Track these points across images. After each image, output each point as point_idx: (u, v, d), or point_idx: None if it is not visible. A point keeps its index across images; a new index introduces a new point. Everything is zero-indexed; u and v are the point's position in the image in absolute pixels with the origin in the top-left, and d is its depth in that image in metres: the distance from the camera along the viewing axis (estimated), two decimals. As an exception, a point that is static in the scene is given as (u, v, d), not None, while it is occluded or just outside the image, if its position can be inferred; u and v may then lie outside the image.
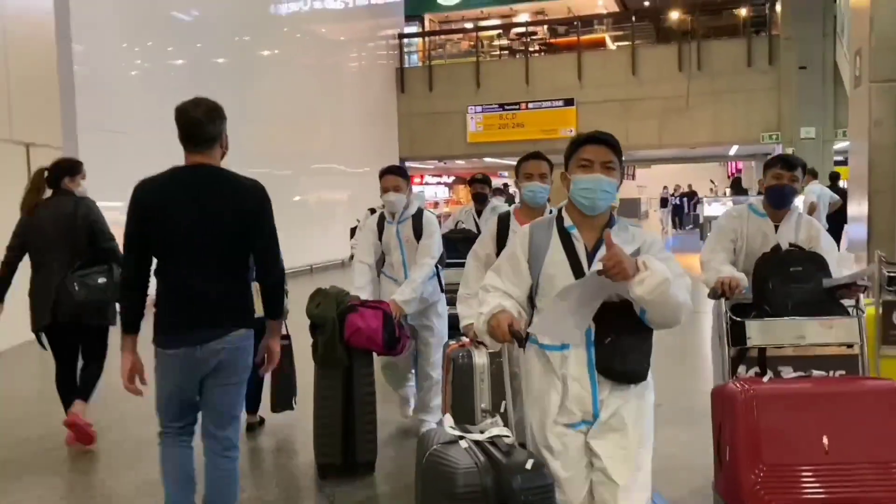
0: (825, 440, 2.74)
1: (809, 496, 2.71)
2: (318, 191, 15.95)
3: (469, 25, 22.33)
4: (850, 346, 3.30)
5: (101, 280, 4.24)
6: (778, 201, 3.57)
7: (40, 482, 4.00)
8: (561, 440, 2.36)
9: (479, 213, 5.98)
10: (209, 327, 2.70)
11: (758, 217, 3.64)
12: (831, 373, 3.29)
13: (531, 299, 2.44)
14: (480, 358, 3.45)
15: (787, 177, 3.53)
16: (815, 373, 3.23)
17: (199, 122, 2.75)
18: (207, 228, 2.70)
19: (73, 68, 9.36)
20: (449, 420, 2.44)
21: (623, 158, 2.40)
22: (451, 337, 4.09)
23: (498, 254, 3.19)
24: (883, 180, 7.71)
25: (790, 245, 3.54)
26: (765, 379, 3.04)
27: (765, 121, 16.68)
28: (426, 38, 21.24)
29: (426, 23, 22.55)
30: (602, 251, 2.23)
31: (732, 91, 16.58)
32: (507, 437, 2.31)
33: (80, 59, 9.55)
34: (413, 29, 21.32)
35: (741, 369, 3.33)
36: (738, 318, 3.28)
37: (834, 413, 2.81)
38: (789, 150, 16.43)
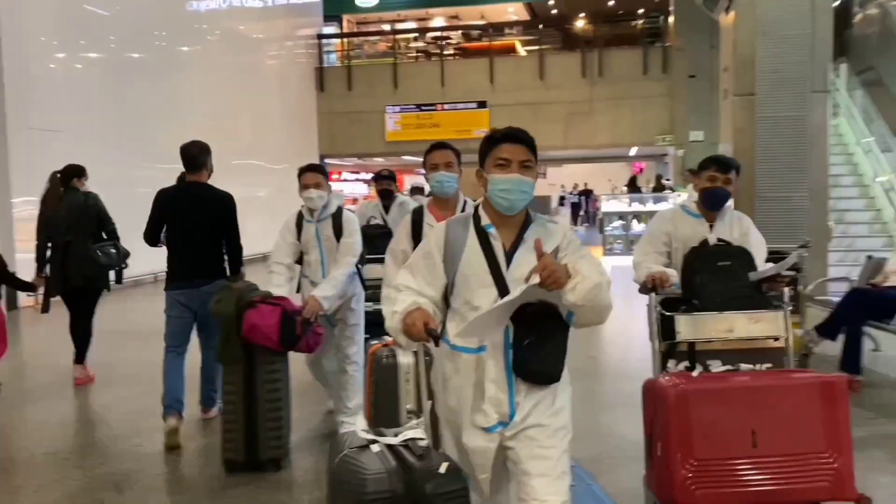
0: (754, 434, 2.77)
1: (739, 490, 2.76)
2: (239, 186, 16.20)
3: (386, 27, 23.05)
4: (776, 339, 3.34)
5: (112, 251, 5.79)
6: (713, 204, 3.58)
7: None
8: (477, 443, 2.34)
9: (386, 208, 5.91)
10: (201, 278, 4.39)
11: (692, 218, 3.65)
12: (758, 366, 3.27)
13: (445, 299, 2.39)
14: (405, 357, 3.40)
15: (722, 179, 3.52)
16: (743, 366, 3.20)
17: (194, 156, 4.46)
18: (197, 220, 4.44)
19: (1, 64, 9.61)
20: (362, 423, 2.46)
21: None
22: (374, 335, 3.98)
23: (415, 247, 3.17)
24: (743, 180, 8.96)
25: (718, 240, 3.56)
26: (694, 373, 3.05)
27: (659, 124, 18.12)
28: (345, 39, 21.80)
29: (344, 23, 23.11)
30: (521, 251, 2.28)
31: (630, 97, 17.94)
32: (422, 440, 2.25)
33: (7, 56, 9.79)
34: (331, 29, 21.85)
35: (671, 363, 3.32)
36: (668, 313, 3.31)
37: (762, 407, 2.84)
38: (680, 152, 17.99)
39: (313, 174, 4.37)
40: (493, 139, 2.35)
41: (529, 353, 2.26)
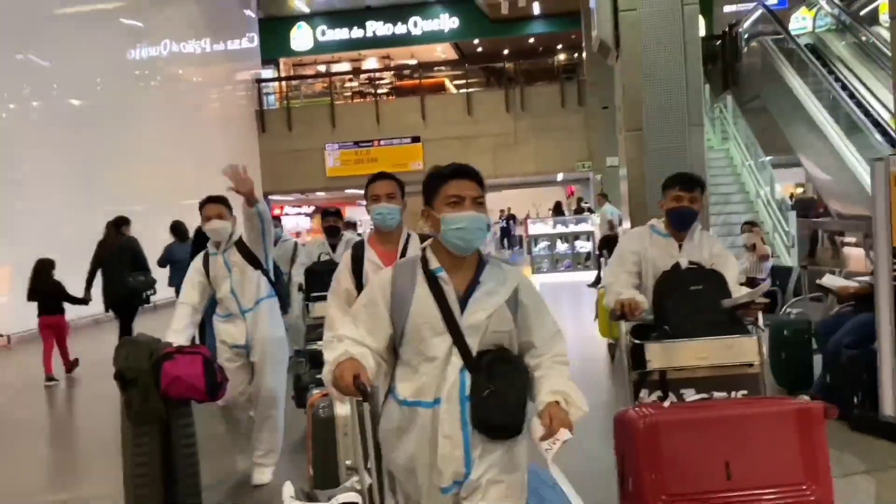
0: (728, 465, 2.66)
1: None
2: (188, 224, 17.20)
3: (322, 68, 24.27)
4: (749, 365, 3.22)
5: (140, 279, 8.01)
6: (679, 224, 3.51)
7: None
8: None
9: (332, 246, 5.90)
10: None
11: (661, 237, 3.57)
12: (733, 393, 3.12)
13: (394, 349, 2.24)
14: (343, 409, 3.04)
15: (687, 198, 3.46)
16: (717, 395, 3.07)
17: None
18: None
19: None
20: (289, 489, 2.20)
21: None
22: (318, 384, 3.72)
23: (358, 285, 3.14)
24: (636, 205, 10.43)
25: (690, 263, 3.46)
26: (666, 403, 2.91)
27: (578, 152, 19.75)
28: (282, 82, 22.93)
29: (281, 66, 24.25)
30: (476, 295, 2.16)
31: (551, 128, 19.55)
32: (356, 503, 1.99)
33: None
34: (269, 72, 22.96)
35: (643, 393, 3.20)
36: (638, 341, 3.22)
37: (736, 437, 2.73)
38: (598, 177, 19.63)
39: (214, 205, 4.28)
40: (441, 175, 2.22)
41: (489, 405, 2.11)
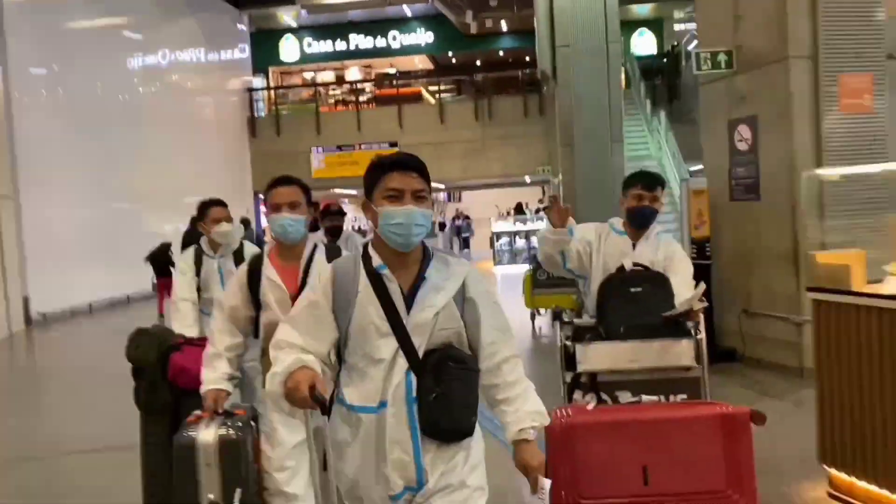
0: (645, 470, 2.63)
1: None
2: (186, 219, 19.20)
3: (309, 77, 26.29)
4: (687, 369, 3.17)
5: None
6: (638, 223, 3.50)
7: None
8: None
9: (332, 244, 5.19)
10: None
11: (616, 235, 3.56)
12: (672, 397, 3.10)
13: (339, 353, 2.14)
14: (206, 435, 2.76)
15: (648, 197, 3.44)
16: (646, 398, 3.04)
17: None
18: None
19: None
20: None
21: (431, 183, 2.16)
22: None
23: (254, 303, 2.97)
24: (573, 206, 12.61)
25: (635, 265, 3.43)
26: (590, 406, 2.90)
27: (540, 157, 21.84)
28: (271, 91, 24.95)
29: (270, 75, 26.24)
30: (423, 292, 2.07)
31: (515, 136, 21.65)
32: None
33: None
34: (260, 81, 24.94)
35: (577, 395, 3.18)
36: (569, 343, 3.20)
37: (656, 441, 2.68)
38: (556, 180, 21.77)
39: (222, 208, 4.23)
40: (381, 167, 2.10)
41: (437, 407, 2.04)
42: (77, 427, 6.45)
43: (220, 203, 4.36)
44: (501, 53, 26.74)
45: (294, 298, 2.76)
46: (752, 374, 6.62)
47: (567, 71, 12.41)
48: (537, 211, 20.72)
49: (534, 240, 18.69)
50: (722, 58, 6.97)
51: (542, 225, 18.70)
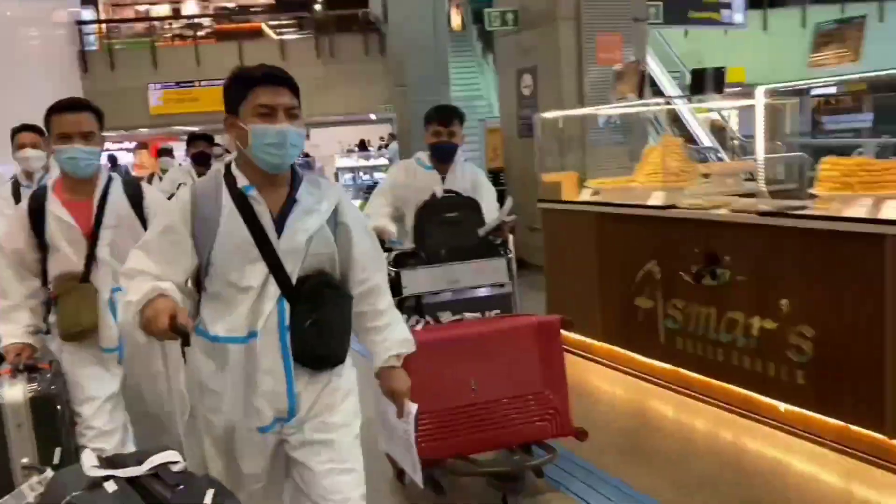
0: (474, 381, 2.89)
1: (464, 437, 2.90)
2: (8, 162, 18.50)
3: (143, 8, 25.37)
4: (501, 285, 3.41)
5: None
6: (439, 157, 3.67)
7: None
8: (248, 448, 2.05)
9: (200, 175, 5.07)
10: None
11: (425, 170, 3.70)
12: (488, 313, 3.28)
13: (197, 282, 2.06)
14: (13, 392, 2.45)
15: (446, 133, 3.59)
16: (468, 315, 3.19)
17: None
18: None
19: None
20: (90, 458, 1.70)
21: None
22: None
23: (40, 246, 2.65)
24: (404, 144, 13.79)
25: (445, 192, 3.61)
26: (417, 327, 3.06)
27: (383, 95, 22.70)
28: (103, 24, 23.93)
29: (101, 6, 25.04)
30: (294, 216, 2.02)
31: (358, 74, 22.32)
32: (176, 462, 1.68)
33: None
34: (89, 13, 23.79)
35: (404, 318, 2.93)
36: (395, 269, 3.28)
37: (481, 354, 2.93)
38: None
39: (29, 134, 4.06)
40: (248, 80, 2.00)
41: (313, 335, 1.98)
42: None
43: (30, 128, 4.09)
44: (343, -10, 26.97)
45: (89, 237, 2.67)
46: (533, 277, 8.14)
47: (397, 15, 13.39)
48: (380, 148, 21.70)
49: (377, 175, 19.75)
50: (509, 17, 8.24)
51: (383, 160, 19.70)
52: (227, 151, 5.32)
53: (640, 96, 5.37)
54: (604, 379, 5.01)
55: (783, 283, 3.91)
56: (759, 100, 4.11)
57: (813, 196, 3.96)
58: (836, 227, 3.60)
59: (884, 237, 3.39)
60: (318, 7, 24.78)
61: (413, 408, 2.16)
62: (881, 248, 3.39)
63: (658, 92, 11.47)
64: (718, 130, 12.43)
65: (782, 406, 4.07)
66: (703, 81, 5.16)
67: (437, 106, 3.75)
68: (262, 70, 2.05)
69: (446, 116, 3.63)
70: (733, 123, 12.33)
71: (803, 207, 3.87)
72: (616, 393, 4.98)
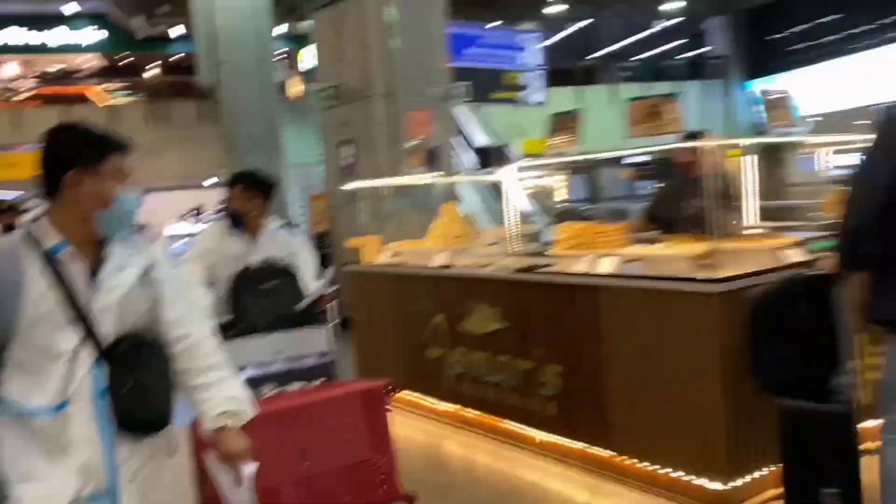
0: (304, 453, 2.80)
1: None
2: None
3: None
4: (324, 354, 3.37)
5: None
6: (236, 224, 3.70)
7: None
8: None
9: None
10: None
11: (236, 234, 3.68)
12: (313, 382, 3.26)
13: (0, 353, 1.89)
14: None
15: (245, 198, 3.66)
16: (293, 385, 3.15)
17: None
18: None
19: None
20: None
21: None
22: None
23: None
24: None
25: (262, 262, 3.56)
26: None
27: (219, 161, 22.69)
28: None
29: None
30: (108, 271, 1.94)
31: (192, 140, 22.28)
32: None
33: None
34: None
35: None
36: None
37: (309, 424, 2.85)
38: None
39: None
40: (112, 144, 1.98)
41: (134, 398, 1.89)
42: None
43: None
44: (176, 58, 26.88)
45: None
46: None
47: (229, 84, 13.75)
48: (218, 212, 21.58)
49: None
50: (330, 91, 8.89)
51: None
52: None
53: (430, 169, 6.09)
54: (403, 425, 5.47)
55: (537, 328, 4.63)
56: (511, 178, 4.96)
57: (555, 255, 4.75)
58: (567, 281, 4.39)
59: (597, 288, 4.11)
60: (149, 74, 24.49)
61: (249, 469, 2.02)
62: (596, 297, 4.08)
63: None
64: (545, 198, 13.59)
65: (538, 436, 4.62)
66: (489, 157, 5.98)
67: (239, 173, 3.84)
68: (120, 137, 2.09)
69: (251, 185, 3.75)
70: (563, 191, 13.48)
71: (546, 266, 4.65)
72: (411, 436, 5.50)
